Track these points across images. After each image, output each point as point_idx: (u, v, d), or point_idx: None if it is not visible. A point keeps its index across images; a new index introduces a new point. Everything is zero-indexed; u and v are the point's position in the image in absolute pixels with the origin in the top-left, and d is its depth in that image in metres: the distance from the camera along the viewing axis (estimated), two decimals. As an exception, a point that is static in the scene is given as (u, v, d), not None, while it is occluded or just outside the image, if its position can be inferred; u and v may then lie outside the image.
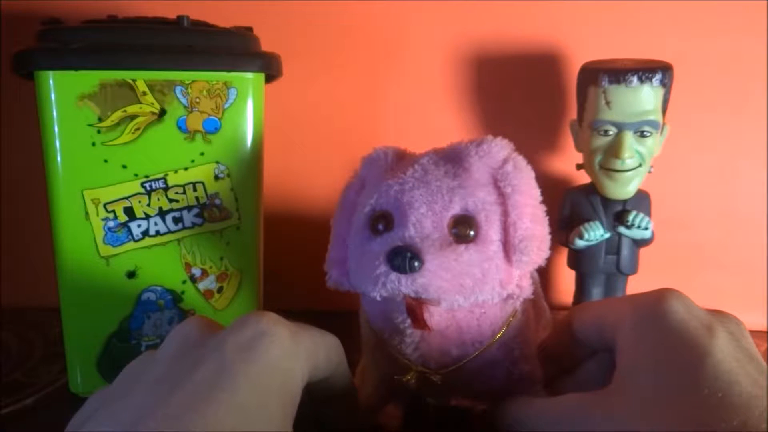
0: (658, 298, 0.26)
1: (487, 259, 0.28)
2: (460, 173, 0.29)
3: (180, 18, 0.37)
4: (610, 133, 0.42)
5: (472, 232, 0.28)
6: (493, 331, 0.30)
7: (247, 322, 0.25)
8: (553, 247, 0.31)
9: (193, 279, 0.39)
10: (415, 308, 0.28)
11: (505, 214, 0.29)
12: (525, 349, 0.31)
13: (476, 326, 0.30)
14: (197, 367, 0.22)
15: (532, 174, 0.30)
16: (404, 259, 0.26)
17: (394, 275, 0.26)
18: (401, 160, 0.32)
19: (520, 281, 0.29)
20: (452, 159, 0.30)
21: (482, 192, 0.29)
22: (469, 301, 0.28)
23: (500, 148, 0.30)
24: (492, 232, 0.28)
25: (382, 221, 0.29)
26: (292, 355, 0.25)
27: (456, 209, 0.28)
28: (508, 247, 0.28)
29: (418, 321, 0.28)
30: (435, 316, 0.29)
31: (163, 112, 0.36)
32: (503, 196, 0.29)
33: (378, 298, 0.28)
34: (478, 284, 0.28)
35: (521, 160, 0.30)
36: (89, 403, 0.24)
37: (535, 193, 0.30)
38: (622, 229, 0.44)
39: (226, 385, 0.21)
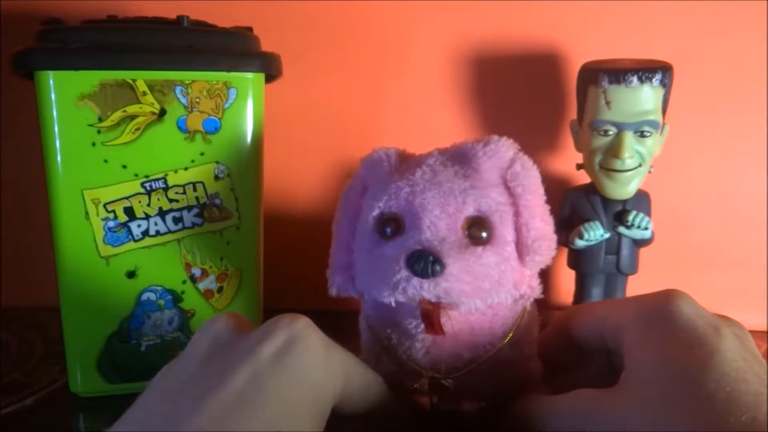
0: (665, 299, 0.26)
1: (503, 260, 0.28)
2: (470, 174, 0.29)
3: (180, 18, 0.37)
4: (610, 133, 0.42)
5: (485, 234, 0.28)
6: (504, 332, 0.30)
7: (279, 325, 0.24)
8: (554, 247, 0.31)
9: (193, 279, 0.38)
10: (431, 313, 0.27)
11: (516, 214, 0.28)
12: (531, 348, 0.31)
13: (488, 328, 0.30)
14: (228, 374, 0.22)
15: (539, 173, 0.30)
16: (426, 263, 0.25)
17: (416, 280, 0.26)
18: (404, 161, 0.31)
19: (530, 281, 0.29)
20: (459, 159, 0.29)
21: (494, 192, 0.28)
22: (486, 304, 0.28)
23: (507, 148, 0.30)
24: (506, 232, 0.28)
25: (391, 224, 0.28)
26: (322, 365, 0.24)
27: (470, 210, 0.28)
28: (520, 248, 0.28)
29: (434, 326, 0.28)
30: (452, 320, 0.28)
31: (163, 112, 0.36)
32: (513, 196, 0.29)
33: (393, 303, 0.27)
34: (495, 286, 0.27)
35: (527, 160, 0.30)
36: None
37: (542, 192, 0.30)
38: (622, 229, 0.44)
39: (257, 398, 0.21)
